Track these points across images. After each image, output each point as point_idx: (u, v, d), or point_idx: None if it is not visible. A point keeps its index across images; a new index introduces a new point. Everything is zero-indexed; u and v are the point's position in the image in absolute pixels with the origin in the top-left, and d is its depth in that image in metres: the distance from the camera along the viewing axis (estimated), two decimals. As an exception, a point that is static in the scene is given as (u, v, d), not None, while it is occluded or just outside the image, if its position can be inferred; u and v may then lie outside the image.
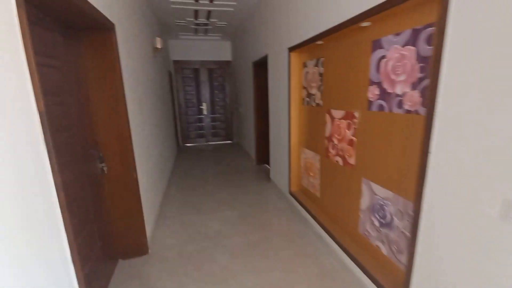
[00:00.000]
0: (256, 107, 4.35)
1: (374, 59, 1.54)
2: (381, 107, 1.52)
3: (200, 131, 6.71)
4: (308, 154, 2.56)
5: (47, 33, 1.32)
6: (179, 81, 6.29)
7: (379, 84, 1.52)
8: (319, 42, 2.08)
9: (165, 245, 2.29)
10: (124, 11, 2.06)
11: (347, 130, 1.87)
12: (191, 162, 5.03)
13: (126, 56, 2.04)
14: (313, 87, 2.32)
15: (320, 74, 2.18)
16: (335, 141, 2.03)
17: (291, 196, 2.91)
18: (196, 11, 4.12)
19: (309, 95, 2.42)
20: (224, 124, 6.84)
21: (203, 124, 6.69)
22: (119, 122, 1.86)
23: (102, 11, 1.56)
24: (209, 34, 5.67)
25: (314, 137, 2.40)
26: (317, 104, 2.28)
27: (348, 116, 1.83)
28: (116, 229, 2.01)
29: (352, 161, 1.84)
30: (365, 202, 1.74)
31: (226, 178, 3.99)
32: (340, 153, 1.97)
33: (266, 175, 4.09)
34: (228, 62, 6.46)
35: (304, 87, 2.51)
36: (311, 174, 2.53)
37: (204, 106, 6.56)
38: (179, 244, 2.29)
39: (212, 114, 6.70)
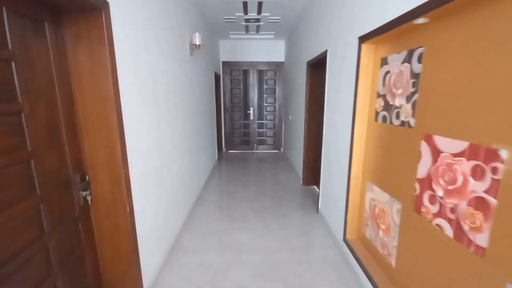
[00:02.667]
0: (308, 116, 3.58)
1: None
2: None
3: (245, 138, 6.21)
4: (379, 194, 1.70)
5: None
6: (226, 83, 5.90)
7: None
8: (419, 21, 1.24)
9: (169, 298, 1.74)
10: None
11: (472, 179, 1.00)
12: (231, 173, 4.51)
13: (133, 49, 1.55)
14: (398, 95, 1.48)
15: (415, 75, 1.34)
16: (439, 191, 1.17)
17: (346, 246, 2.07)
18: (245, 4, 3.58)
19: (389, 107, 1.58)
20: (271, 132, 6.20)
21: (249, 130, 6.17)
22: (109, 137, 1.35)
23: (79, -22, 1.07)
24: (261, 32, 5.12)
25: (393, 172, 1.54)
26: (404, 123, 1.43)
27: (480, 153, 0.97)
28: (106, 276, 1.53)
29: (481, 240, 0.96)
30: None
31: (265, 200, 3.31)
32: (450, 215, 1.10)
33: (314, 202, 3.27)
34: (280, 63, 5.81)
35: (381, 95, 1.68)
36: (382, 226, 1.67)
37: (251, 111, 6.04)
38: (185, 301, 1.71)
39: (259, 120, 6.13)
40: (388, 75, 1.58)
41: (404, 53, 1.42)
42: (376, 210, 1.75)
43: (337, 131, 2.35)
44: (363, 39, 1.74)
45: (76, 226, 1.32)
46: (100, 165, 1.38)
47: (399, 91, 1.47)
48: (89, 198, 1.38)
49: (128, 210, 1.44)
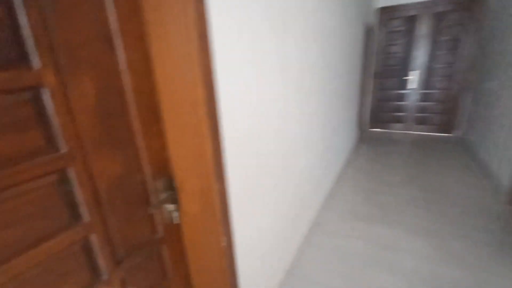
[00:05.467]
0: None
1: None
2: None
3: (397, 114, 4.65)
4: None
5: None
6: (381, 39, 4.42)
7: None
8: None
9: None
10: None
11: None
12: (372, 166, 3.39)
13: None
14: None
15: None
16: None
17: None
18: None
19: None
20: (441, 106, 4.30)
21: (404, 103, 4.55)
22: (197, 129, 0.80)
23: None
24: None
25: None
26: None
27: None
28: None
29: None
30: None
31: (426, 219, 2.11)
32: None
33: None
34: (480, -4, 3.63)
35: None
36: None
37: (412, 76, 4.34)
38: None
39: (424, 89, 4.35)
40: None
41: None
42: None
43: None
44: None
45: (158, 253, 0.92)
46: (188, 170, 0.87)
47: None
48: (175, 215, 0.93)
49: (224, 243, 0.90)
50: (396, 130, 4.73)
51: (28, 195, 0.57)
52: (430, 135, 4.44)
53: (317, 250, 1.85)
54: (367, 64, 4.39)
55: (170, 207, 0.92)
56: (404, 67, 4.39)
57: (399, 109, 4.62)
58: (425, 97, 4.38)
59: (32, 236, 0.58)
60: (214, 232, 0.89)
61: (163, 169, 0.89)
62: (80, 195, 0.66)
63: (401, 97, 4.55)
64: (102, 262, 0.73)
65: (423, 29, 4.08)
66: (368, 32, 4.08)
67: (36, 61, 0.55)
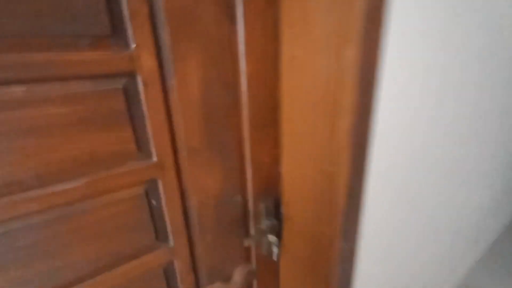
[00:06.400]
0: None
1: None
2: None
3: None
4: None
5: None
6: None
7: None
8: None
9: None
10: None
11: None
12: None
13: None
14: None
15: None
16: None
17: None
18: None
19: None
20: None
21: None
22: (329, 155, 0.50)
23: None
24: None
25: None
26: None
27: None
28: None
29: None
30: None
31: None
32: None
33: None
34: None
35: None
36: None
37: None
38: None
39: None
40: None
41: None
42: None
43: None
44: None
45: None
46: (302, 201, 0.61)
47: None
48: (276, 250, 0.70)
49: (334, 320, 0.61)
50: None
51: (110, 208, 0.46)
52: None
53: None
54: None
55: (272, 238, 0.70)
56: None
57: None
58: None
59: (112, 255, 0.48)
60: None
61: (270, 190, 0.66)
62: (167, 213, 0.52)
63: None
64: (183, 291, 0.60)
65: None
66: None
67: (131, 38, 0.40)
